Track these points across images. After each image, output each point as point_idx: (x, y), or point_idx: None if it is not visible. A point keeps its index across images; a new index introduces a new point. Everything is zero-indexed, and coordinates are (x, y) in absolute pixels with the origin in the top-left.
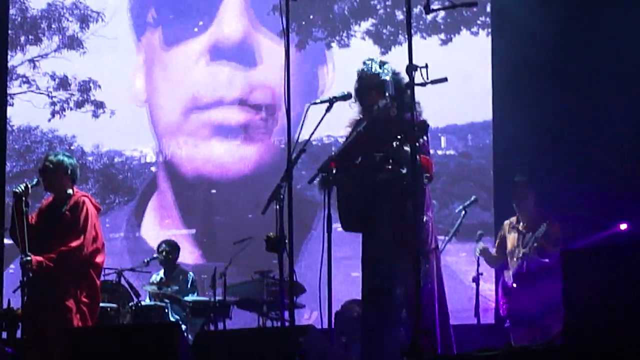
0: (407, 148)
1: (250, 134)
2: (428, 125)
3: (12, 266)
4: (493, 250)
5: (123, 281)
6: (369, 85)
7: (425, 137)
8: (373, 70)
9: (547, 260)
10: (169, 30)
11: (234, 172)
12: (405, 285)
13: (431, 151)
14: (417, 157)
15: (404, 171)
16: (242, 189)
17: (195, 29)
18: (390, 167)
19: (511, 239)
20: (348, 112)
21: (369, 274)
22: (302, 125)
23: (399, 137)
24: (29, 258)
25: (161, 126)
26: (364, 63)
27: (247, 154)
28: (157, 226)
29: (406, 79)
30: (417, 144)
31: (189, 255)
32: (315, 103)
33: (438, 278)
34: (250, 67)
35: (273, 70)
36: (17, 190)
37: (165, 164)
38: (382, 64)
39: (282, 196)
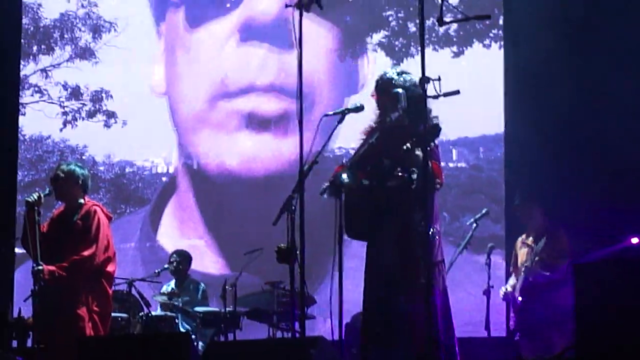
0: (418, 152)
1: (285, 125)
2: (440, 129)
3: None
4: (510, 283)
5: (134, 291)
6: (381, 89)
7: (436, 142)
8: (388, 76)
9: (548, 273)
10: (194, 9)
11: (266, 169)
12: (406, 295)
13: (442, 163)
14: (429, 161)
15: (414, 176)
16: (276, 189)
17: (228, 5)
18: (399, 174)
19: (521, 254)
20: (361, 124)
21: (371, 283)
22: (316, 136)
23: (410, 140)
24: (40, 267)
25: (183, 117)
26: (384, 70)
27: (280, 148)
28: (177, 231)
29: (421, 91)
30: (429, 148)
31: (212, 265)
32: (328, 115)
33: (442, 291)
34: (286, 50)
35: (312, 54)
36: (30, 200)
37: (185, 162)
38: (400, 73)
39: (293, 207)
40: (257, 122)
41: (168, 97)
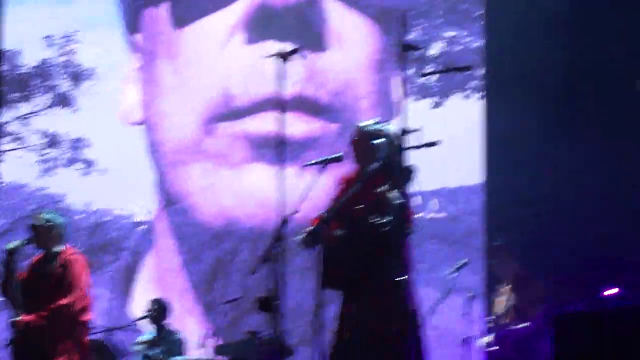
0: (392, 195)
1: (315, 154)
2: (413, 171)
3: None
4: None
5: (112, 340)
6: (359, 138)
7: (408, 189)
8: (365, 126)
9: (517, 326)
10: (181, 2)
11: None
12: (376, 345)
13: (421, 214)
14: (404, 201)
15: (388, 219)
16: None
17: None
18: (373, 219)
19: (498, 302)
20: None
21: (341, 332)
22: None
23: (386, 183)
24: (18, 318)
25: (167, 149)
26: (361, 120)
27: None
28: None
29: (400, 141)
30: (403, 190)
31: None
32: (308, 165)
33: (415, 341)
34: (314, 51)
35: (350, 57)
36: (10, 247)
37: (168, 208)
38: (378, 122)
39: (274, 256)
40: (272, 152)
41: (146, 124)
